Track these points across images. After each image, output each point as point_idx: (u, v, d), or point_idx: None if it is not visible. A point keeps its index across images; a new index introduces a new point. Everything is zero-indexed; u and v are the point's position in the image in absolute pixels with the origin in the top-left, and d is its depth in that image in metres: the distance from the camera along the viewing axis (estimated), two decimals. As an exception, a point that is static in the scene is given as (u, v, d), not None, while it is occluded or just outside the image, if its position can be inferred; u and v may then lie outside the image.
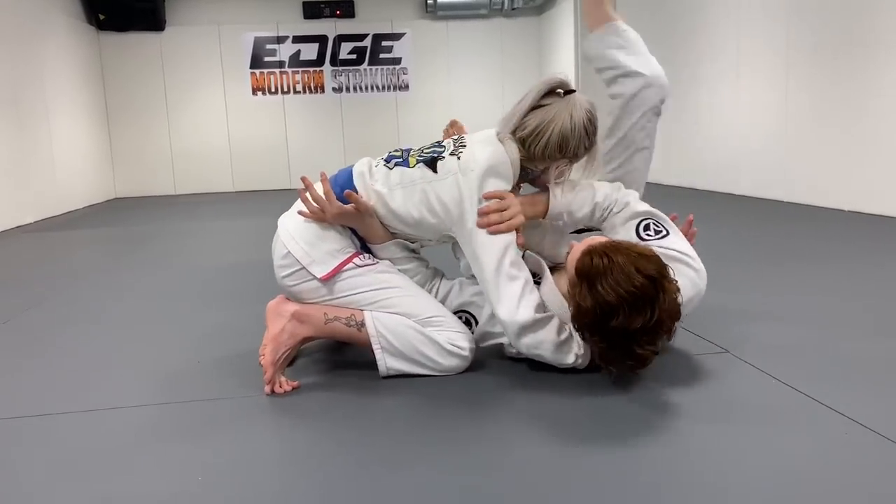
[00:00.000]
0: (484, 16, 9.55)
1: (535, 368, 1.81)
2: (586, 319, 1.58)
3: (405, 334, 1.80)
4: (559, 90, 1.85)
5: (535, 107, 1.82)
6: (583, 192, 1.87)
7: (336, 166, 2.11)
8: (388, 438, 1.48)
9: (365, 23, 9.47)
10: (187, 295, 3.06)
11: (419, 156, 1.87)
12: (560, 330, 1.74)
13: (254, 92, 9.51)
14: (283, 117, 9.59)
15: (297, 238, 1.87)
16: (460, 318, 1.87)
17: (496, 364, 1.88)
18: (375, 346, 1.80)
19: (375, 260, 1.91)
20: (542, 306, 1.75)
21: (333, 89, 9.65)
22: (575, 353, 1.74)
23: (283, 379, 1.78)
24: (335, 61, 9.59)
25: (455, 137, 1.94)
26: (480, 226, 1.76)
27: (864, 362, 1.82)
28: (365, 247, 1.93)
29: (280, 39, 9.47)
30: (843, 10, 4.70)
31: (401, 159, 1.89)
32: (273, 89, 9.54)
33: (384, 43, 9.59)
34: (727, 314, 2.28)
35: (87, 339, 2.40)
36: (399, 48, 9.59)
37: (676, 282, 1.60)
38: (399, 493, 1.24)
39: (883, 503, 1.15)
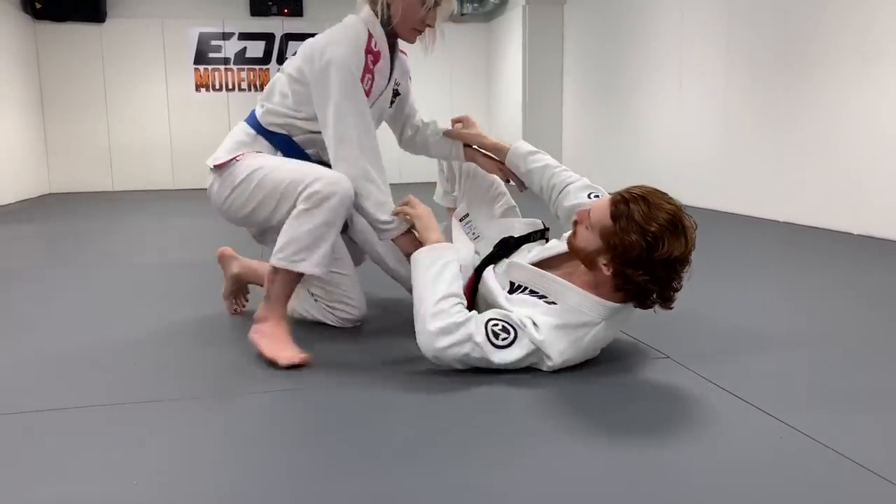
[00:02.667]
0: (433, 20, 9.56)
1: (478, 379, 1.82)
2: (634, 253, 1.68)
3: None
4: None
5: None
6: (540, 153, 2.20)
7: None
8: (334, 442, 1.46)
9: (313, 22, 9.36)
10: (122, 295, 2.97)
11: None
12: (383, 191, 2.00)
13: (197, 88, 9.32)
14: (227, 115, 9.40)
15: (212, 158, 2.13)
16: (496, 324, 1.80)
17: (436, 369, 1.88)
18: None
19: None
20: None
21: (279, 88, 9.51)
22: (391, 210, 2.01)
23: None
24: (282, 60, 9.45)
25: None
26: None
27: (798, 368, 1.88)
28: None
29: (226, 36, 9.30)
30: (780, 26, 4.86)
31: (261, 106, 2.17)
32: (217, 86, 9.36)
33: (332, 43, 9.47)
34: (668, 320, 2.32)
35: (15, 339, 2.30)
36: (347, 49, 9.49)
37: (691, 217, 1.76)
38: (342, 495, 1.23)
39: (813, 503, 1.19)
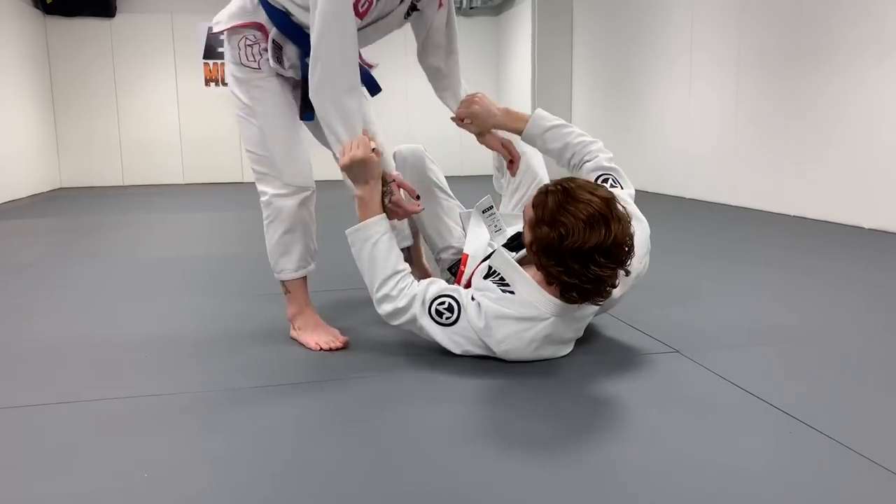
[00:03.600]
0: (442, 14, 9.53)
1: (472, 372, 1.82)
2: (544, 243, 1.66)
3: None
4: None
5: None
6: (564, 129, 2.12)
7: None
8: (343, 438, 1.47)
9: (322, 16, 9.35)
10: (132, 288, 2.99)
11: None
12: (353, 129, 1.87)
13: (207, 83, 9.34)
14: (237, 110, 9.41)
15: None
16: (443, 302, 1.84)
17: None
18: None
19: (261, 69, 2.10)
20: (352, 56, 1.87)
21: (289, 83, 9.52)
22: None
23: None
24: (291, 54, 9.45)
25: None
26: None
27: (809, 363, 1.87)
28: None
29: (235, 30, 9.30)
30: (791, 21, 4.82)
31: None
32: (227, 81, 9.36)
33: (341, 37, 9.46)
34: (678, 315, 2.32)
35: (25, 332, 2.32)
36: (356, 43, 9.48)
37: (626, 210, 1.71)
38: (345, 495, 1.23)
39: (824, 498, 1.18)
